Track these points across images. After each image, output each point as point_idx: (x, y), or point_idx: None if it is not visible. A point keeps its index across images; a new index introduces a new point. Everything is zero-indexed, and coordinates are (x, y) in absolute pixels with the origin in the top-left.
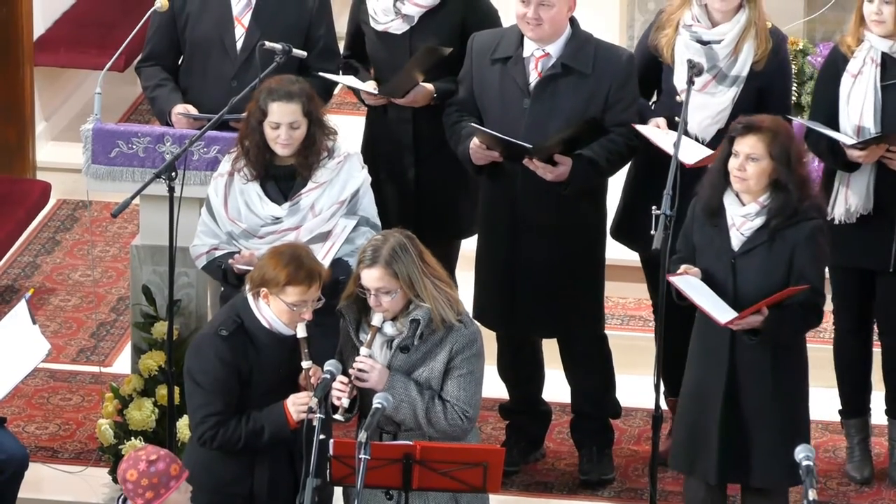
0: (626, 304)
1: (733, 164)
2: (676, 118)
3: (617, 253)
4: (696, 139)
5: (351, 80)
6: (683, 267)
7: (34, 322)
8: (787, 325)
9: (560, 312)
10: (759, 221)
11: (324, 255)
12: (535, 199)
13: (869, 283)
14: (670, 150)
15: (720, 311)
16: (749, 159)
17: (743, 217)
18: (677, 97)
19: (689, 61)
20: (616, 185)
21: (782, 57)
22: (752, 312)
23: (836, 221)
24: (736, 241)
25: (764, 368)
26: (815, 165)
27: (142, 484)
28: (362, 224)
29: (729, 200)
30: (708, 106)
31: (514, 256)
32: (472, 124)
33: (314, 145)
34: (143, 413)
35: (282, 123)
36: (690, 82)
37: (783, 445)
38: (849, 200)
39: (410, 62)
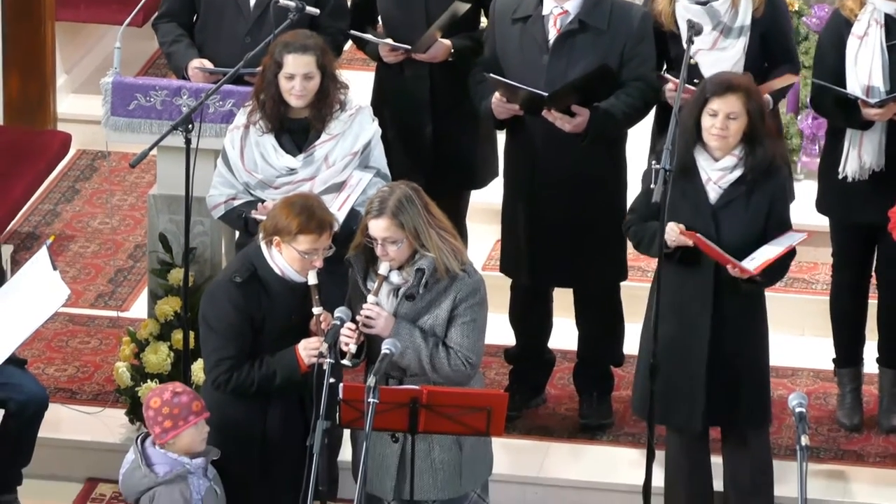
0: None
1: (711, 122)
2: (695, 80)
3: None
4: None
5: (371, 36)
6: (673, 225)
7: (54, 268)
8: (778, 271)
9: (581, 263)
10: (737, 174)
11: (340, 206)
12: (555, 152)
13: (871, 239)
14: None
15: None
16: (728, 118)
17: (720, 171)
18: (691, 60)
19: (689, 21)
20: (634, 138)
21: None
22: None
23: (850, 178)
24: (713, 195)
25: (744, 315)
26: (808, 123)
27: (162, 412)
28: (374, 175)
29: (702, 156)
30: (721, 61)
31: (535, 209)
32: (490, 75)
33: (327, 98)
34: (159, 356)
35: (296, 75)
36: (690, 41)
37: (761, 387)
38: (863, 157)
39: (438, 22)
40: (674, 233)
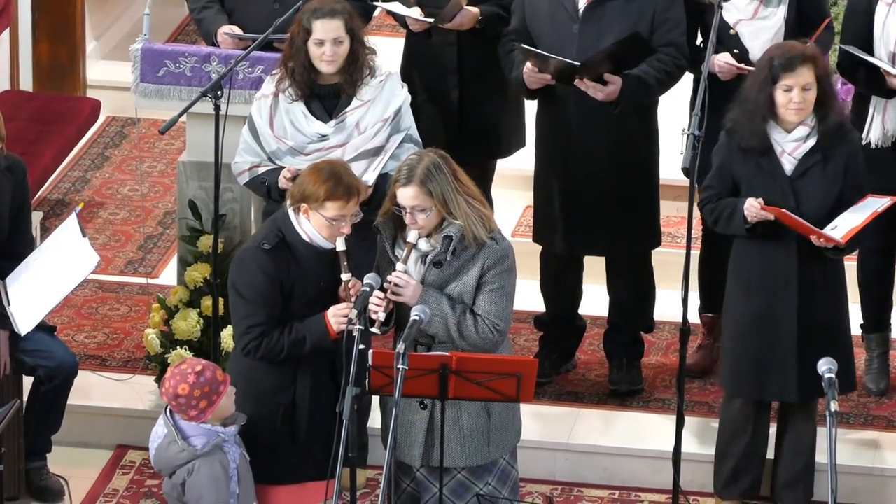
0: None
1: (789, 98)
2: (735, 50)
3: None
4: None
5: (397, 7)
6: (753, 201)
7: (84, 235)
8: (861, 236)
9: (616, 231)
10: (811, 142)
11: (373, 169)
12: (588, 121)
13: None
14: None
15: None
16: (804, 90)
17: (795, 142)
18: (731, 31)
19: None
20: (666, 106)
21: None
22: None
23: (873, 145)
24: (789, 166)
25: (827, 283)
26: (836, 89)
27: (194, 395)
28: (406, 141)
29: (773, 130)
30: (764, 29)
31: (569, 178)
32: (522, 45)
33: (357, 62)
34: (188, 323)
35: (326, 40)
36: (719, 6)
37: (847, 353)
38: (886, 124)
39: None
40: (754, 208)
